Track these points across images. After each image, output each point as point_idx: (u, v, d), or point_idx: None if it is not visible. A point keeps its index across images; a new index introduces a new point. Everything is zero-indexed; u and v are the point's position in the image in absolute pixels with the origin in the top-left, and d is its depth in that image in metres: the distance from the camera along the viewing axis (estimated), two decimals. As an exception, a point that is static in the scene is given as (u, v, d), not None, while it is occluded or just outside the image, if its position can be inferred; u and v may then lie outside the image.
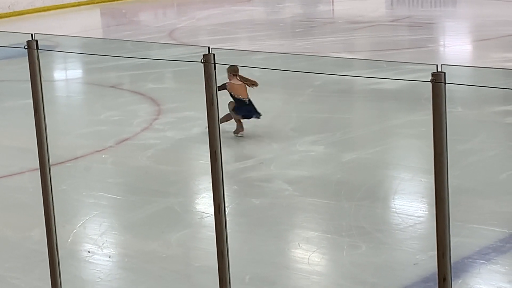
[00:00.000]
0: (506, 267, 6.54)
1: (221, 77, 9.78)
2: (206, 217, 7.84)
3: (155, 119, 11.82)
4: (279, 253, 7.06)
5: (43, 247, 5.28)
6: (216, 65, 4.18)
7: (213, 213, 4.32)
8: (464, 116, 10.99)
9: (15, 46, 5.25)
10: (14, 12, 25.39)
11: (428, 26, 20.10)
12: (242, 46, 18.40)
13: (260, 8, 25.74)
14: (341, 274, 6.63)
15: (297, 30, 21.15)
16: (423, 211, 7.84)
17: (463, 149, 9.41)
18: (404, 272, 6.51)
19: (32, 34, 4.80)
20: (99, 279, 6.70)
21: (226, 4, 25.64)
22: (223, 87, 10.09)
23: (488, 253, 6.69)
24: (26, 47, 4.81)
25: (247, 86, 10.54)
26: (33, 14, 25.53)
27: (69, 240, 7.41)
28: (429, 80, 3.45)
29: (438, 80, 3.44)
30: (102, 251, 7.19)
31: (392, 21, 21.49)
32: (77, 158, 10.13)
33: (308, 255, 6.89)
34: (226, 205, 4.35)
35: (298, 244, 7.30)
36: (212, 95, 4.21)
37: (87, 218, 8.08)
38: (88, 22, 24.59)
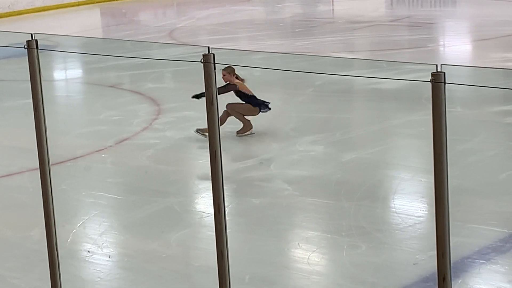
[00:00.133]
0: (506, 267, 6.53)
1: (217, 78, 9.75)
2: (206, 217, 7.83)
3: (155, 119, 11.82)
4: (279, 253, 7.05)
5: (43, 247, 5.28)
6: (216, 65, 4.18)
7: (212, 213, 4.32)
8: (464, 116, 10.99)
9: (15, 46, 5.24)
10: (14, 11, 25.38)
11: (428, 26, 20.10)
12: (242, 46, 18.39)
13: (260, 8, 25.73)
14: (341, 274, 6.63)
15: (297, 30, 21.14)
16: (423, 211, 7.84)
17: (463, 149, 9.41)
18: (404, 272, 6.50)
19: (32, 34, 4.79)
20: (99, 279, 6.70)
21: (226, 4, 25.63)
22: (230, 88, 9.91)
23: (488, 253, 6.69)
24: (25, 46, 4.80)
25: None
26: (32, 14, 25.53)
27: (68, 240, 7.41)
28: (429, 80, 3.45)
29: (438, 80, 3.44)
30: (102, 251, 7.19)
31: (392, 21, 21.48)
32: (76, 157, 10.13)
33: (308, 255, 6.89)
34: (225, 204, 4.35)
35: (298, 244, 7.30)
36: (212, 95, 4.21)
37: (87, 217, 8.08)
38: (88, 22, 24.59)
